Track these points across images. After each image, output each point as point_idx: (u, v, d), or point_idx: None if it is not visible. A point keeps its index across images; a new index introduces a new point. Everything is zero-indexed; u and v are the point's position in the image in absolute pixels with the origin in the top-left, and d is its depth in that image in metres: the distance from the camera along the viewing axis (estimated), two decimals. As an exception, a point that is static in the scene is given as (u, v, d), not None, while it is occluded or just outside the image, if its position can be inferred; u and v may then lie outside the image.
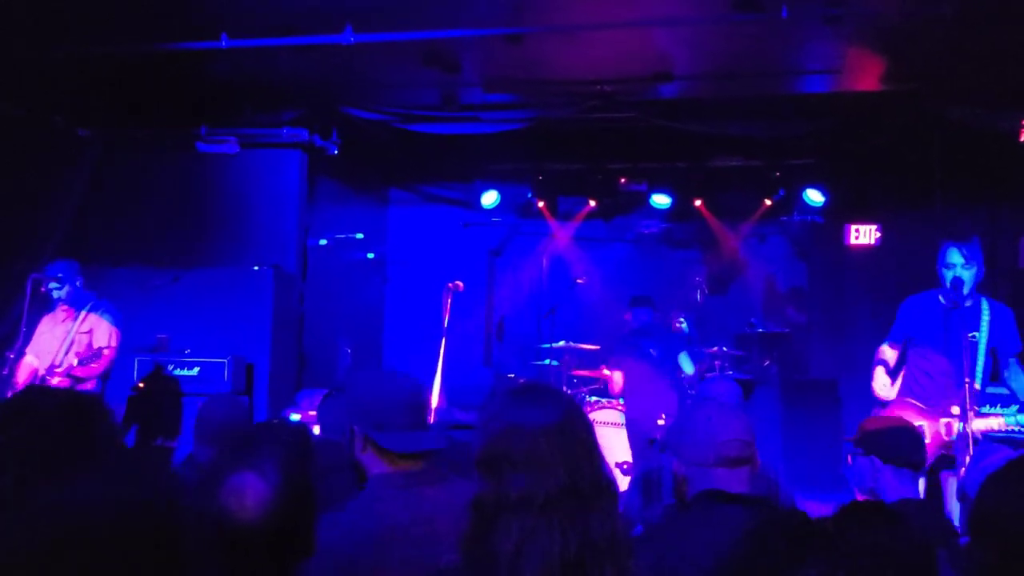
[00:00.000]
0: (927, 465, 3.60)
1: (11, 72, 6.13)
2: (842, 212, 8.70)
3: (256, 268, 7.38)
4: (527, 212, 9.79)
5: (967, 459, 4.16)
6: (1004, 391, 4.98)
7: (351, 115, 7.49)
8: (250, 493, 1.64)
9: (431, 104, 7.44)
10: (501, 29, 5.78)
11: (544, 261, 9.75)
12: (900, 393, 4.90)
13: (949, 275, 4.74)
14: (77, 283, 5.98)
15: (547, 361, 8.46)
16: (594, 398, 8.03)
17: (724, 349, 8.35)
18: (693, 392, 7.10)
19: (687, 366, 7.37)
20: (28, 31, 5.78)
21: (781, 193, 8.91)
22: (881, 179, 8.38)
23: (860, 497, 3.07)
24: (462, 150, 8.40)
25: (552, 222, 9.81)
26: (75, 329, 5.88)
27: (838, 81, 6.79)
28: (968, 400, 4.39)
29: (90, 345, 5.83)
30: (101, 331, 5.91)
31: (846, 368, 8.16)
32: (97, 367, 5.77)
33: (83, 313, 5.94)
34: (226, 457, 1.75)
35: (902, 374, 5.03)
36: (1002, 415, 4.65)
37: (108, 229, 7.59)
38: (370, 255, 9.51)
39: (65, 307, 5.97)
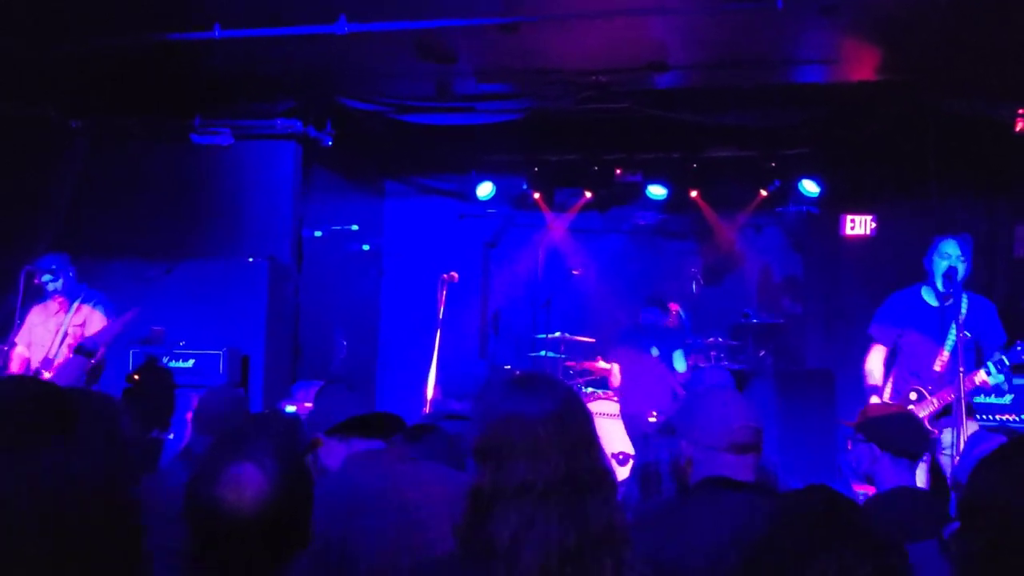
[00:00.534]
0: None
1: (3, 64, 6.09)
2: (838, 202, 8.70)
3: (251, 260, 7.36)
4: (522, 203, 9.77)
5: (960, 446, 4.17)
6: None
7: (346, 106, 7.47)
8: (247, 485, 1.63)
9: (426, 95, 7.42)
10: (496, 18, 5.76)
11: (540, 252, 9.74)
12: (891, 398, 4.90)
13: (943, 264, 4.75)
14: (70, 274, 5.98)
15: (543, 353, 8.47)
16: (590, 389, 8.04)
17: (720, 340, 8.37)
18: (684, 384, 7.13)
19: (679, 364, 7.42)
20: (20, 23, 5.74)
21: (776, 184, 8.90)
22: (877, 169, 8.37)
23: (855, 483, 3.08)
24: (457, 141, 8.38)
25: (548, 213, 9.79)
26: (68, 321, 5.87)
27: (834, 71, 6.78)
28: (962, 392, 4.40)
29: (82, 336, 5.82)
30: (94, 323, 5.90)
31: (841, 358, 8.16)
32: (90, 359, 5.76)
33: (76, 304, 5.92)
34: (221, 448, 1.74)
35: (892, 375, 5.03)
36: (988, 371, 4.62)
37: (102, 221, 7.56)
38: (365, 247, 9.49)
39: (59, 298, 5.96)
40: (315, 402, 2.77)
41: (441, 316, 7.03)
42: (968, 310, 4.76)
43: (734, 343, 8.71)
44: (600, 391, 7.91)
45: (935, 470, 4.75)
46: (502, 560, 1.59)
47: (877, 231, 8.45)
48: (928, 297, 4.90)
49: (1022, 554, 1.46)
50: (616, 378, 7.51)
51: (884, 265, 7.99)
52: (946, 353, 4.71)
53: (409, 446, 2.75)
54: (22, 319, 5.89)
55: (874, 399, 4.84)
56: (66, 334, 5.85)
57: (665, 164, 9.00)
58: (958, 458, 4.02)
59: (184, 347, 6.87)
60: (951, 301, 4.72)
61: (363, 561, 2.16)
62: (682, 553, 2.13)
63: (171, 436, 5.98)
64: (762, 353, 9.24)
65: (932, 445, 4.61)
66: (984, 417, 5.57)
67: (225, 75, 7.03)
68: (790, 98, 7.27)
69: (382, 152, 9.29)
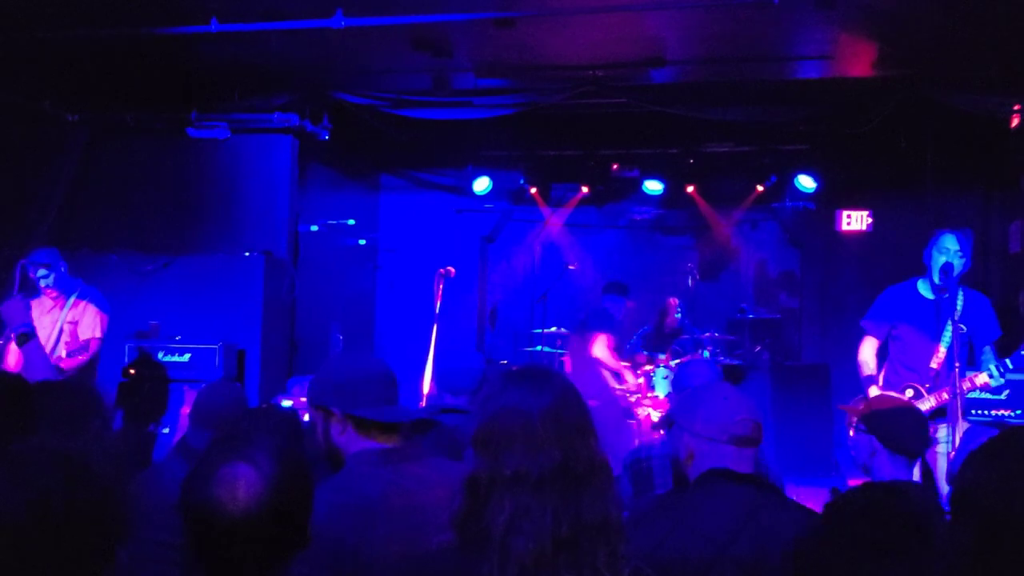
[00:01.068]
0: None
1: (-2, 57, 6.08)
2: (834, 198, 8.72)
3: (247, 254, 7.36)
4: (519, 198, 9.78)
5: (956, 443, 4.18)
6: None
7: (342, 100, 7.46)
8: (243, 485, 1.62)
9: (423, 89, 7.40)
10: (492, 13, 5.75)
11: (536, 247, 9.75)
12: (883, 389, 4.91)
13: (941, 259, 4.75)
14: (62, 269, 5.95)
15: (539, 347, 8.47)
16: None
17: (715, 335, 8.38)
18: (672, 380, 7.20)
19: (660, 390, 7.53)
20: (15, 15, 5.72)
21: (773, 179, 8.92)
22: (873, 165, 8.39)
23: (851, 479, 3.08)
24: (454, 136, 8.37)
25: (544, 208, 9.80)
26: (63, 318, 5.85)
27: (830, 67, 6.78)
28: (958, 387, 4.41)
29: (76, 334, 5.80)
30: (88, 319, 5.88)
31: (837, 353, 8.18)
32: (84, 358, 5.76)
33: (71, 300, 5.90)
34: (218, 447, 1.73)
35: (884, 369, 5.04)
36: (991, 375, 4.65)
37: (97, 215, 7.56)
38: (362, 241, 9.49)
39: (54, 294, 5.94)
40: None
41: (438, 310, 7.03)
42: (964, 305, 4.77)
43: (730, 338, 8.72)
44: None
45: (924, 465, 4.76)
46: (496, 547, 1.61)
47: (873, 226, 8.48)
48: (924, 291, 4.90)
49: (1012, 546, 1.46)
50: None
51: (880, 260, 8.01)
52: (942, 350, 4.72)
53: (414, 442, 2.71)
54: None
55: (873, 389, 4.85)
56: (61, 331, 5.83)
57: (662, 159, 9.00)
58: (954, 454, 4.04)
59: (180, 341, 6.87)
60: (947, 295, 4.73)
61: (377, 567, 2.13)
62: (686, 543, 2.15)
63: (165, 430, 5.98)
64: (758, 348, 9.26)
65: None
66: (979, 412, 5.58)
67: (222, 69, 7.01)
68: (786, 94, 7.28)
69: (379, 146, 9.28)
